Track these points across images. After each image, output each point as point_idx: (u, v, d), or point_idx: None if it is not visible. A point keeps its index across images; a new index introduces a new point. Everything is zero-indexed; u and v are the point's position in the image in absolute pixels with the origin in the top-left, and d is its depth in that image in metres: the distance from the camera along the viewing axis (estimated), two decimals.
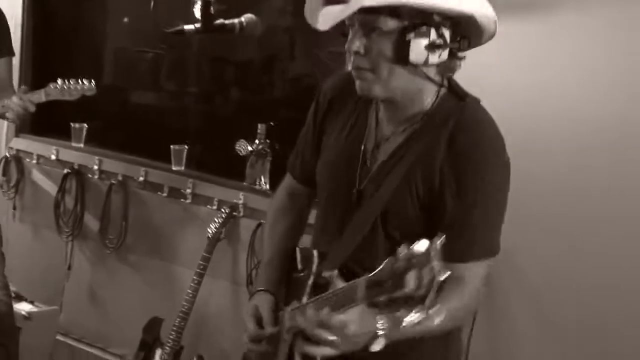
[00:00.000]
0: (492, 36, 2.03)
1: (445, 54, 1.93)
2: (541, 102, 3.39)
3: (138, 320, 4.29)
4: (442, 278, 1.43)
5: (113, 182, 4.82)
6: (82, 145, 4.92)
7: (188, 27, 2.73)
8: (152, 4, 2.79)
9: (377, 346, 1.73)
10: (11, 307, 4.27)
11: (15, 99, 3.70)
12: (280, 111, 4.38)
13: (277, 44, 4.60)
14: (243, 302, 4.26)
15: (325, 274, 1.91)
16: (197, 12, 2.71)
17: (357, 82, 2.01)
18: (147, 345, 4.14)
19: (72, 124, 4.87)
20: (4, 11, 4.08)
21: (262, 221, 4.15)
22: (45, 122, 4.11)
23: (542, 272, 3.45)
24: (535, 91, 3.38)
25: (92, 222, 4.96)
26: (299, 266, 2.24)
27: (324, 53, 4.15)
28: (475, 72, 2.23)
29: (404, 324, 1.51)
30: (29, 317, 4.67)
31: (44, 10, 5.01)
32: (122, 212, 4.81)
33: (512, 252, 3.23)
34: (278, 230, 2.44)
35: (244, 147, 4.12)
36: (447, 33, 1.92)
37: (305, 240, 2.48)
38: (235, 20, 2.70)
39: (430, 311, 1.46)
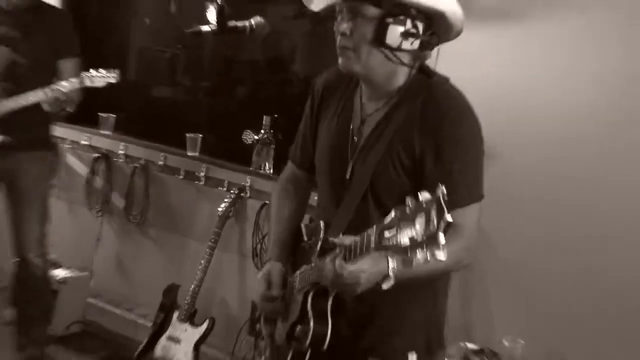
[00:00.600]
0: (458, 33, 2.09)
1: (417, 43, 1.98)
2: (520, 100, 3.40)
3: (158, 286, 4.30)
4: (449, 218, 1.44)
5: (136, 165, 4.83)
6: (109, 133, 4.91)
7: (205, 28, 2.75)
8: (172, 7, 2.77)
9: (386, 285, 1.74)
10: (46, 272, 4.29)
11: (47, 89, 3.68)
12: (282, 105, 4.37)
13: (280, 46, 4.60)
14: (249, 272, 4.31)
15: (332, 239, 1.89)
16: (211, 15, 2.73)
17: (341, 60, 2.07)
18: (166, 307, 4.16)
19: (100, 114, 4.86)
20: None
21: (266, 202, 4.20)
22: (78, 112, 4.08)
23: (514, 251, 3.48)
24: (515, 90, 3.39)
25: (118, 200, 4.96)
26: (305, 238, 2.28)
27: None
28: (463, 73, 2.23)
29: (414, 263, 1.52)
30: (64, 281, 4.71)
31: (78, 12, 4.96)
32: (144, 192, 4.82)
33: (489, 234, 3.26)
34: (283, 213, 2.45)
35: (249, 137, 4.13)
36: (420, 26, 1.96)
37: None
38: (246, 23, 2.71)
39: (437, 251, 1.46)
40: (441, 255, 1.46)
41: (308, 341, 2.05)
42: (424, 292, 2.17)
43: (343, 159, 2.18)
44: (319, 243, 2.12)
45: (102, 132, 4.93)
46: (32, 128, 3.92)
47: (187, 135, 4.55)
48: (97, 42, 4.15)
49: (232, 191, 4.30)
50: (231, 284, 4.44)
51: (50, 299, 4.47)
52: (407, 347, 2.18)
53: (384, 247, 1.60)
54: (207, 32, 2.78)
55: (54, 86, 3.67)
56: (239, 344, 4.26)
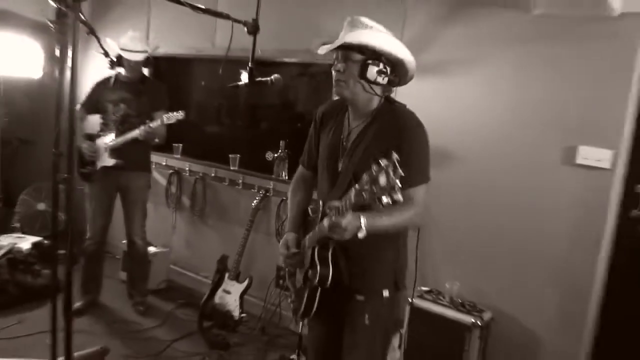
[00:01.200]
0: (412, 77, 2.17)
1: (386, 79, 2.07)
2: (447, 121, 3.39)
3: (214, 256, 4.21)
4: (402, 173, 1.55)
5: (197, 177, 4.75)
6: (179, 156, 4.87)
7: (240, 82, 2.78)
8: (220, 71, 2.80)
9: (361, 233, 1.82)
10: (147, 248, 4.40)
11: (143, 127, 3.82)
12: (292, 133, 4.30)
13: (289, 94, 4.53)
14: (274, 245, 4.21)
15: (329, 203, 1.90)
16: (244, 76, 2.74)
17: (335, 88, 2.12)
18: (220, 271, 4.08)
19: (173, 145, 4.81)
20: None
21: (284, 198, 4.15)
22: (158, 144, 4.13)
23: (452, 221, 3.46)
24: (444, 114, 3.35)
25: (186, 201, 4.88)
26: (311, 214, 2.30)
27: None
28: (421, 104, 2.18)
29: (382, 207, 1.60)
30: (154, 254, 4.71)
31: (160, 79, 4.95)
32: (203, 194, 4.74)
33: (432, 210, 3.21)
34: (296, 199, 2.45)
35: (270, 155, 4.14)
36: (388, 68, 2.06)
37: None
38: (268, 78, 2.73)
39: (397, 196, 1.56)
40: (399, 197, 1.57)
41: (316, 280, 2.08)
42: (391, 248, 2.19)
43: (336, 157, 2.21)
44: (319, 214, 2.16)
45: (174, 156, 4.89)
46: (136, 155, 4.06)
47: (230, 155, 4.50)
48: (172, 97, 4.12)
49: (260, 192, 4.24)
50: (262, 253, 4.37)
51: (148, 266, 4.50)
52: (382, 286, 2.21)
53: (359, 208, 1.72)
54: (242, 85, 2.79)
55: (145, 126, 3.80)
56: (269, 293, 4.22)
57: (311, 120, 2.42)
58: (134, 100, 3.98)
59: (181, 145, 4.85)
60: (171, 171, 4.90)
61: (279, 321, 4.19)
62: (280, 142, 4.15)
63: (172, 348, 3.71)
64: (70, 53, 2.12)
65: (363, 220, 1.82)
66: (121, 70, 3.96)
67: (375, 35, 2.04)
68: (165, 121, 3.79)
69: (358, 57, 2.04)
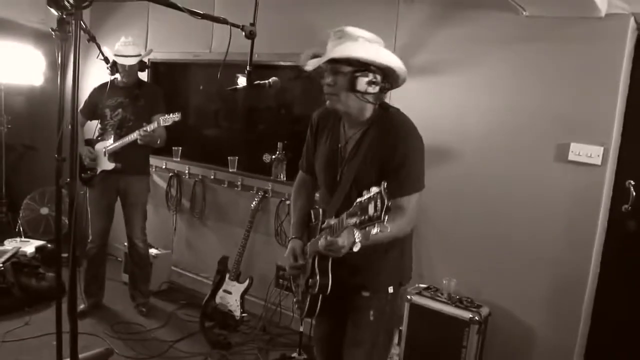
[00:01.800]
0: (404, 82, 2.12)
1: (377, 88, 2.02)
2: (437, 122, 3.38)
3: (214, 257, 4.21)
4: (389, 203, 1.54)
5: (196, 179, 4.75)
6: (178, 159, 4.86)
7: (239, 86, 2.79)
8: (218, 75, 2.81)
9: (356, 247, 1.76)
10: (148, 250, 4.37)
11: (140, 130, 3.80)
12: (289, 135, 4.30)
13: (286, 96, 4.53)
14: (273, 245, 4.25)
15: (327, 221, 1.91)
16: (241, 80, 2.77)
17: (328, 102, 2.10)
18: (220, 272, 4.08)
19: (173, 148, 4.81)
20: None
21: (282, 199, 4.17)
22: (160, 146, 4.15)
23: (448, 222, 3.45)
24: (434, 116, 3.35)
25: (186, 203, 4.87)
26: (313, 220, 2.28)
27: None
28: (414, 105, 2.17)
29: (372, 234, 1.62)
30: (156, 256, 4.69)
31: (159, 83, 4.96)
32: (202, 196, 4.73)
33: (428, 209, 3.22)
34: (298, 204, 2.43)
35: (267, 157, 4.11)
36: (379, 77, 2.02)
37: None
38: (266, 81, 2.75)
39: (384, 224, 1.56)
40: (386, 228, 1.60)
41: (316, 289, 2.07)
42: (395, 248, 2.18)
43: (334, 167, 2.19)
44: (320, 224, 2.14)
45: (174, 159, 4.88)
46: (135, 159, 4.06)
47: (229, 158, 4.50)
48: (170, 101, 4.11)
49: (259, 193, 4.24)
50: (262, 254, 4.36)
51: (149, 267, 4.48)
52: (387, 282, 2.21)
53: (352, 226, 1.69)
54: (240, 88, 2.81)
55: (143, 128, 3.78)
56: (270, 293, 4.22)
57: (308, 122, 2.41)
58: (131, 104, 3.99)
59: (180, 148, 4.84)
60: (171, 174, 4.89)
61: (280, 320, 4.19)
62: (278, 144, 4.14)
63: (174, 348, 3.71)
64: (71, 60, 2.13)
65: (357, 235, 1.77)
66: (117, 76, 3.97)
67: (361, 47, 1.99)
68: (163, 123, 3.78)
69: (347, 69, 2.00)
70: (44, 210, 5.40)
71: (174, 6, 2.38)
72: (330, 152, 2.22)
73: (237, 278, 4.03)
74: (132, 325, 4.03)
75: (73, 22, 2.07)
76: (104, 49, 3.81)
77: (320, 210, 2.21)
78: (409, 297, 3.22)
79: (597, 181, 3.00)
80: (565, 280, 3.11)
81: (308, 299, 2.20)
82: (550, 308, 3.16)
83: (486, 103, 3.30)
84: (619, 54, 2.90)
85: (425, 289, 3.36)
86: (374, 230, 1.60)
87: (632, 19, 2.88)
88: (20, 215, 5.34)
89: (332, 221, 1.83)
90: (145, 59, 4.09)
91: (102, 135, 4.04)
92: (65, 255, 2.27)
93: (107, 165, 3.96)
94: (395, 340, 3.17)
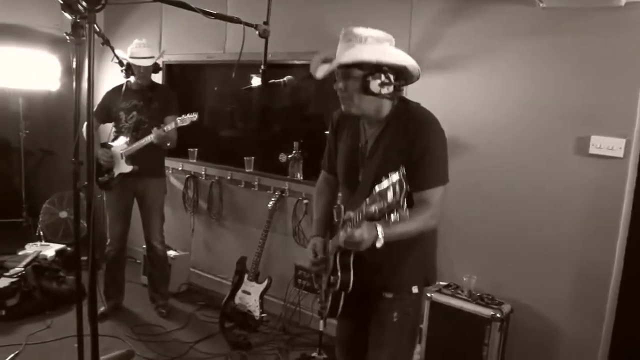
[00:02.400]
0: (418, 78, 2.09)
1: (391, 88, 2.00)
2: (454, 117, 3.33)
3: (232, 258, 4.21)
4: (408, 188, 1.54)
5: (213, 180, 4.76)
6: (195, 161, 4.88)
7: (254, 85, 2.78)
8: (233, 75, 2.81)
9: (379, 243, 1.77)
10: (166, 252, 4.39)
11: (157, 131, 3.82)
12: (305, 134, 4.27)
13: (301, 95, 4.51)
14: (291, 245, 4.25)
15: (347, 213, 1.88)
16: (255, 78, 2.75)
17: (342, 106, 2.09)
18: (239, 272, 4.08)
19: (189, 149, 4.84)
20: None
21: (299, 198, 4.17)
22: (175, 150, 4.16)
23: (464, 215, 3.42)
24: (469, 109, 3.37)
25: (203, 204, 4.88)
26: (335, 218, 2.24)
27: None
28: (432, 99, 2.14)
29: (391, 222, 1.59)
30: (174, 258, 4.74)
31: (174, 85, 4.99)
32: (219, 197, 4.74)
33: (446, 205, 3.18)
34: (321, 202, 2.43)
35: (282, 157, 4.09)
36: (391, 76, 1.99)
37: None
38: (281, 80, 2.73)
39: (403, 212, 1.55)
40: (406, 214, 1.58)
41: (338, 286, 2.05)
42: (418, 246, 2.14)
43: (356, 167, 2.17)
44: (342, 221, 2.12)
45: (190, 160, 4.90)
46: (151, 162, 4.10)
47: (245, 158, 4.50)
48: (185, 102, 4.13)
49: (276, 193, 4.24)
50: (280, 253, 4.36)
51: (168, 269, 4.51)
52: (411, 282, 2.18)
53: (372, 219, 1.69)
54: (255, 88, 2.79)
55: (160, 129, 3.81)
56: (289, 292, 4.22)
57: (323, 121, 2.40)
58: (146, 106, 4.01)
59: (197, 150, 4.86)
60: (187, 176, 4.90)
61: (299, 320, 4.18)
62: (294, 143, 4.13)
63: (194, 349, 3.72)
64: (86, 64, 2.13)
65: (380, 230, 1.77)
66: (131, 78, 4.00)
67: (371, 49, 1.96)
68: (180, 123, 3.81)
69: (358, 72, 1.98)
70: (63, 214, 5.46)
71: (187, 7, 2.38)
72: (351, 152, 2.20)
73: (255, 278, 4.03)
74: (153, 327, 4.05)
75: (87, 25, 2.07)
76: (118, 51, 3.83)
77: (342, 208, 2.17)
78: (429, 294, 3.19)
79: (619, 174, 2.94)
80: (588, 276, 3.06)
81: (330, 298, 2.18)
82: (573, 304, 3.11)
83: (503, 97, 3.26)
84: (639, 43, 2.83)
85: (445, 286, 3.33)
86: (393, 217, 1.58)
87: None
88: (40, 219, 5.41)
89: (352, 213, 1.82)
90: (159, 61, 4.11)
91: (117, 139, 4.06)
92: (84, 258, 2.28)
93: (125, 168, 3.98)
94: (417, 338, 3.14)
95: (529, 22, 3.13)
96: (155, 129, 3.81)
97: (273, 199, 4.18)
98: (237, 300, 4.00)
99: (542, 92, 3.13)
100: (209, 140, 5.05)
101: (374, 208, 1.62)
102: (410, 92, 2.70)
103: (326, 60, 2.05)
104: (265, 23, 2.60)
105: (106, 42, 3.51)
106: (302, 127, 4.49)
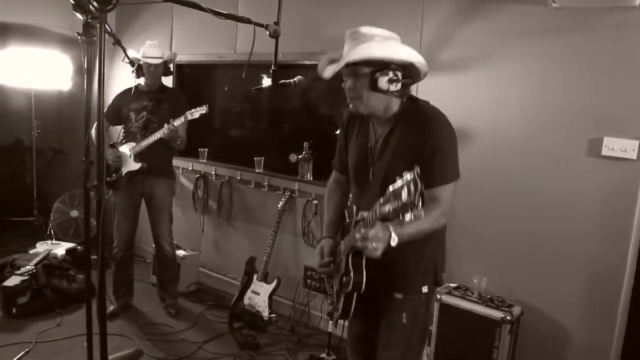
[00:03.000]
0: (425, 75, 2.08)
1: (399, 85, 1.99)
2: (465, 115, 3.31)
3: (241, 258, 4.23)
4: (422, 187, 1.51)
5: (223, 180, 4.77)
6: (205, 161, 4.89)
7: (264, 85, 2.79)
8: (243, 75, 2.82)
9: (393, 242, 1.78)
10: (174, 252, 4.40)
11: (167, 126, 3.84)
12: (315, 134, 4.26)
13: (311, 96, 4.52)
14: (300, 246, 4.26)
15: (360, 213, 1.92)
16: (265, 80, 2.75)
17: (351, 105, 2.08)
18: (248, 272, 4.10)
19: (199, 149, 4.85)
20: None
21: (309, 199, 4.17)
22: (185, 150, 4.18)
23: (477, 221, 3.41)
24: (460, 109, 3.30)
25: (212, 204, 4.90)
26: (347, 219, 2.26)
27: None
28: (443, 99, 2.13)
29: (405, 222, 1.56)
30: (184, 258, 4.75)
31: (184, 86, 5.04)
32: (229, 197, 4.75)
33: (457, 205, 3.16)
34: (332, 203, 2.43)
35: (293, 157, 4.09)
36: (399, 73, 1.98)
37: None
38: (292, 80, 2.75)
39: (418, 211, 1.53)
40: (421, 213, 1.55)
41: (350, 287, 2.03)
42: (429, 246, 2.14)
43: (366, 167, 2.16)
44: (354, 221, 2.13)
45: (200, 160, 4.91)
46: (159, 162, 4.11)
47: (255, 158, 4.50)
48: (195, 102, 4.13)
49: (286, 193, 4.24)
50: (289, 254, 4.37)
51: (177, 269, 4.53)
52: (421, 282, 2.17)
53: (385, 219, 1.66)
54: (265, 88, 2.80)
55: (170, 124, 3.82)
56: (297, 293, 4.22)
57: (334, 121, 2.40)
58: (155, 108, 4.04)
59: (207, 149, 4.87)
60: (197, 175, 4.92)
61: (308, 321, 4.19)
62: (304, 143, 4.12)
63: (203, 349, 3.73)
64: (97, 63, 2.15)
65: (392, 229, 1.77)
66: (141, 80, 4.03)
67: (378, 45, 1.95)
68: (190, 117, 3.82)
69: (366, 70, 1.97)
70: (74, 213, 5.50)
71: (198, 7, 2.38)
72: (361, 151, 2.20)
73: (264, 279, 4.04)
74: (161, 326, 4.06)
75: (98, 25, 2.08)
76: (129, 52, 3.85)
77: (354, 209, 2.18)
78: (438, 296, 3.18)
79: (632, 176, 2.91)
80: (600, 278, 3.03)
81: (342, 299, 2.17)
82: (585, 307, 3.09)
83: (515, 98, 3.24)
84: None
85: (455, 288, 3.31)
86: (408, 216, 1.56)
87: None
88: (51, 218, 5.45)
89: (366, 213, 1.81)
90: (170, 64, 4.15)
91: (126, 138, 4.08)
92: (94, 257, 2.29)
93: (133, 165, 3.99)
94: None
95: (541, 22, 3.12)
96: (165, 124, 3.83)
97: (283, 199, 4.18)
98: (246, 301, 4.01)
99: (554, 93, 3.11)
100: (219, 140, 5.06)
101: (388, 208, 1.61)
102: (421, 92, 2.71)
103: (333, 61, 2.04)
104: (276, 23, 2.60)
105: (117, 42, 3.54)
106: (312, 128, 4.49)
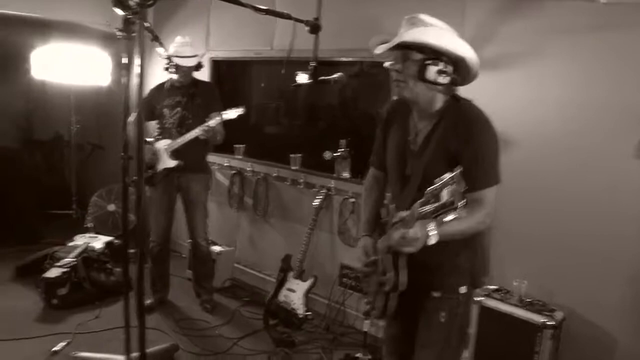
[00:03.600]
0: (475, 76, 2.05)
1: (447, 79, 1.97)
2: (508, 117, 3.23)
3: (277, 255, 4.26)
4: (463, 190, 1.51)
5: (259, 177, 4.79)
6: (241, 157, 4.92)
7: (303, 82, 2.79)
8: (282, 70, 2.84)
9: (431, 240, 1.78)
10: (209, 248, 4.45)
11: (201, 126, 3.87)
12: (352, 131, 4.25)
13: (349, 93, 4.50)
14: (336, 244, 4.25)
15: (398, 214, 1.89)
16: (302, 77, 2.72)
17: (395, 89, 2.06)
18: (284, 270, 4.12)
19: (235, 146, 4.88)
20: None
21: (345, 197, 4.15)
22: (221, 146, 4.23)
23: (519, 223, 3.33)
24: (523, 110, 3.25)
25: (248, 200, 4.92)
26: (384, 217, 2.24)
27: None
28: (485, 99, 2.10)
29: (444, 222, 1.59)
30: (219, 253, 4.79)
31: (220, 82, 5.07)
32: (265, 194, 4.76)
33: (497, 206, 3.12)
34: (370, 200, 2.41)
35: (327, 155, 4.04)
36: (450, 68, 1.97)
37: None
38: (332, 77, 2.73)
39: (459, 212, 1.54)
40: (462, 213, 1.56)
41: (389, 287, 2.04)
42: (469, 247, 2.12)
43: (404, 161, 2.15)
44: (391, 217, 2.10)
45: (236, 157, 4.94)
46: (195, 157, 4.15)
47: (291, 155, 4.51)
48: (232, 98, 4.17)
49: (322, 191, 4.23)
50: (325, 252, 4.36)
51: (212, 265, 4.59)
52: (459, 282, 2.15)
53: (424, 215, 1.67)
54: (304, 85, 2.79)
55: (205, 124, 3.86)
56: (333, 291, 4.21)
57: (371, 119, 2.38)
58: (189, 103, 4.06)
59: (243, 146, 4.90)
60: (233, 172, 4.96)
61: (344, 319, 4.18)
62: (341, 141, 4.10)
63: (238, 345, 3.76)
64: (137, 59, 2.18)
65: (432, 228, 1.76)
66: (174, 76, 4.05)
67: (434, 33, 1.94)
68: (225, 117, 3.86)
69: (417, 56, 1.95)
70: (111, 207, 5.61)
71: (238, 2, 2.39)
72: (399, 146, 2.18)
73: (300, 276, 4.05)
74: (197, 321, 4.11)
75: (138, 21, 2.11)
76: (161, 49, 3.90)
77: (391, 206, 2.16)
78: (477, 299, 3.13)
79: None
80: None
81: (381, 299, 2.17)
82: (630, 313, 3.00)
83: (559, 96, 3.16)
84: None
85: (494, 290, 3.26)
86: (448, 217, 1.56)
87: None
88: (89, 211, 5.57)
89: (404, 213, 1.79)
90: (202, 60, 4.16)
91: (161, 135, 4.12)
92: (131, 251, 2.33)
93: (169, 162, 4.03)
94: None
95: (588, 18, 3.03)
96: (198, 127, 3.86)
97: (319, 197, 4.18)
98: (281, 298, 4.02)
99: (600, 92, 3.02)
100: (256, 136, 5.08)
101: (427, 208, 1.61)
102: (462, 90, 2.65)
103: (385, 42, 2.01)
104: (316, 19, 2.59)
105: (155, 38, 3.58)
106: (349, 125, 4.48)
